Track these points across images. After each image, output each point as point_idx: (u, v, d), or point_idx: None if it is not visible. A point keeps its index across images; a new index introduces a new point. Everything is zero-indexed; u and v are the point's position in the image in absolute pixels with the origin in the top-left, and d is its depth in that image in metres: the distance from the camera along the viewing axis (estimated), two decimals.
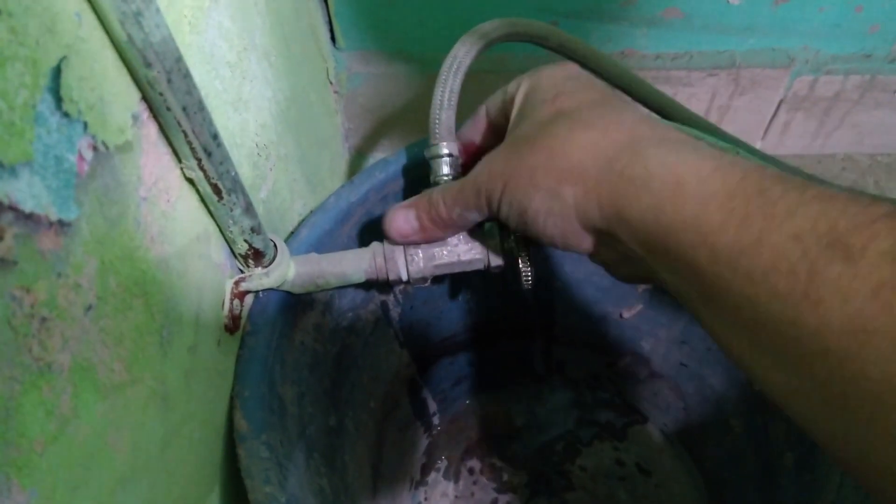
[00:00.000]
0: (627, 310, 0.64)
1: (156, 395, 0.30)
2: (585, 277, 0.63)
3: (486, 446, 0.71)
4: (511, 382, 0.74)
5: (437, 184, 0.41)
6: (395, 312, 0.58)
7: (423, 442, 0.70)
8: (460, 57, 0.42)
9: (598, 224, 0.31)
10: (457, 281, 0.61)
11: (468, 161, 0.43)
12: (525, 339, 0.70)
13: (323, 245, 0.46)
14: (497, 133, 0.41)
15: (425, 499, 0.67)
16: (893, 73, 0.79)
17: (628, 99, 0.54)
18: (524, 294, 0.65)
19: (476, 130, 0.43)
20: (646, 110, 0.54)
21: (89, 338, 0.25)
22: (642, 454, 0.69)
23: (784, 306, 0.23)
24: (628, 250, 0.31)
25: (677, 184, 0.27)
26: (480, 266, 0.42)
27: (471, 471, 0.69)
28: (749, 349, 0.26)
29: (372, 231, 0.50)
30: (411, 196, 0.40)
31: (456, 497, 0.67)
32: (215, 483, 0.38)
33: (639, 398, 0.71)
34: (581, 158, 0.31)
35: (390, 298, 0.56)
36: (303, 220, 0.47)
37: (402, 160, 0.49)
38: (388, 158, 0.50)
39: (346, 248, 0.45)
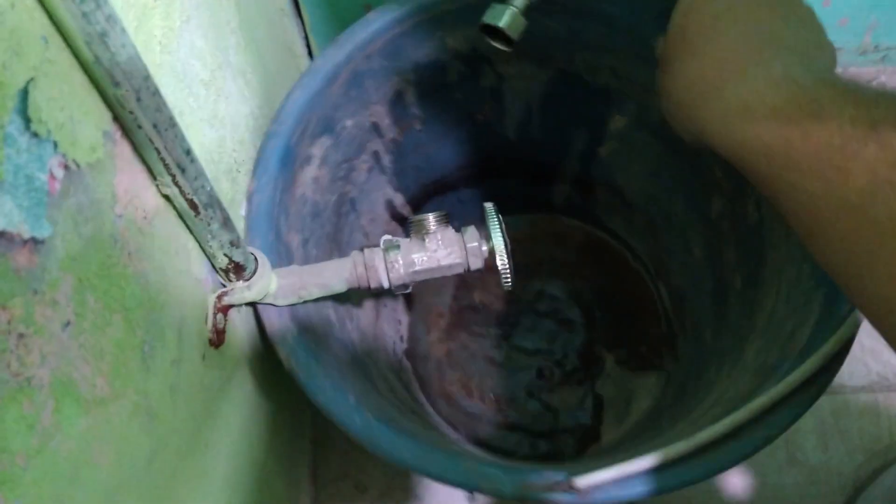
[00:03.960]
0: (605, 147, 0.66)
1: (140, 409, 0.31)
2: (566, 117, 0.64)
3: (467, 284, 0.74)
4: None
5: None
6: (386, 160, 0.61)
7: None
8: None
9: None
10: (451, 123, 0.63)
11: None
12: (511, 177, 0.73)
13: (315, 105, 0.48)
14: None
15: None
16: (865, 65, 0.80)
17: None
18: (509, 137, 0.67)
19: None
20: None
21: (69, 353, 0.25)
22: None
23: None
24: None
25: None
26: (460, 270, 0.43)
27: (449, 309, 0.73)
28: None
29: (360, 88, 0.52)
30: (392, 53, 0.45)
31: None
32: (204, 495, 0.39)
33: (616, 225, 0.75)
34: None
35: (381, 148, 0.59)
36: (294, 84, 0.49)
37: (383, 17, 0.51)
38: (368, 17, 0.51)
39: (337, 106, 0.50)
